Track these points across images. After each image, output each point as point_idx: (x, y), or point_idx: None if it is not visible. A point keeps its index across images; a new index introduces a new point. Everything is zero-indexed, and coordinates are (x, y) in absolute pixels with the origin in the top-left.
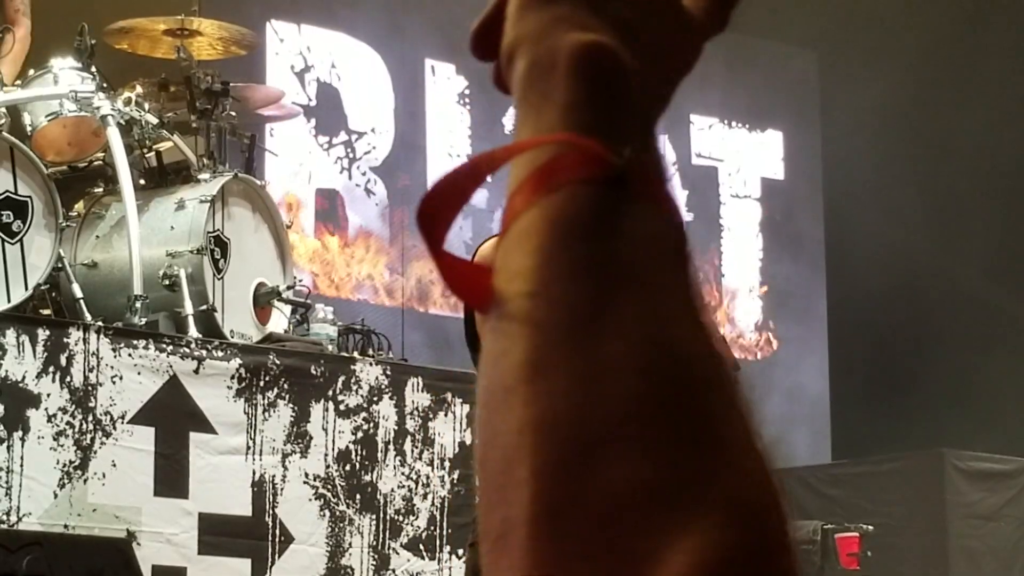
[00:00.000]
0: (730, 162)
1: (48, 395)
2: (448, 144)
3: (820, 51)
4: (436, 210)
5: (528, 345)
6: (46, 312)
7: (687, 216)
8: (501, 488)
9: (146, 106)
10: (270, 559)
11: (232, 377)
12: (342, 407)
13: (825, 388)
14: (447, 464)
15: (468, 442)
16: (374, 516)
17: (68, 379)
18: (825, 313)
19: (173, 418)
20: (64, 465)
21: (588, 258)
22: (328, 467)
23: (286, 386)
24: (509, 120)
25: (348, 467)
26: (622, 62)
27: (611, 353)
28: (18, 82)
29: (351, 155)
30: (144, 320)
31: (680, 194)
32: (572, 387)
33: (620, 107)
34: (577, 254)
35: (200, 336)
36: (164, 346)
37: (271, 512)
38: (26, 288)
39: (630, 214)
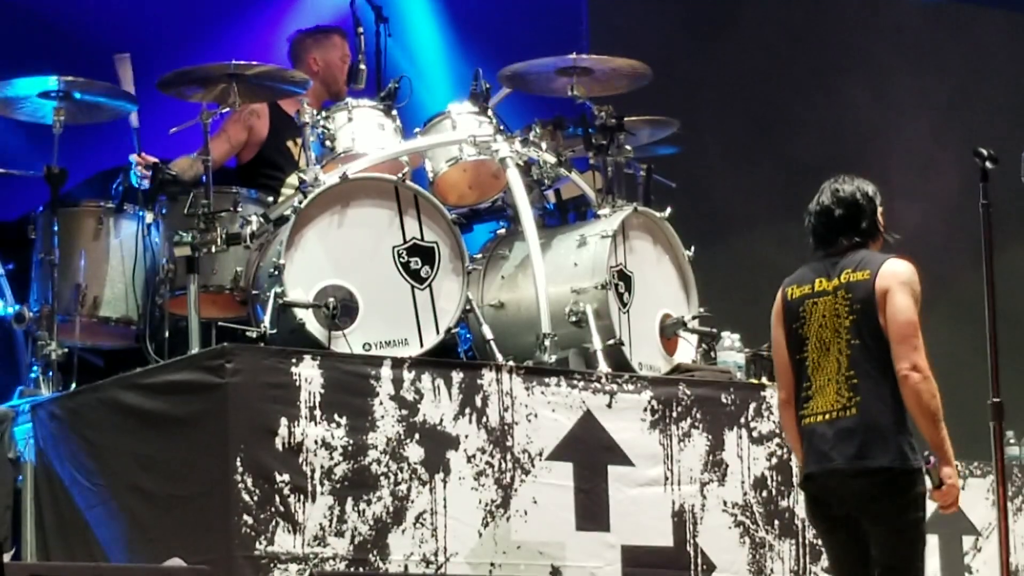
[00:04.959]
0: None
1: (466, 436)
2: None
3: None
4: None
5: None
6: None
7: None
8: None
9: (543, 145)
10: None
11: (645, 409)
12: (755, 434)
13: None
14: None
15: None
16: (793, 541)
17: (484, 419)
18: None
19: (590, 453)
20: (486, 504)
21: None
22: (745, 494)
23: (699, 415)
24: None
25: (765, 493)
26: None
27: None
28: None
29: None
30: (554, 357)
31: None
32: None
33: None
34: None
35: (610, 371)
36: (576, 382)
37: (692, 541)
38: (438, 332)
39: None
